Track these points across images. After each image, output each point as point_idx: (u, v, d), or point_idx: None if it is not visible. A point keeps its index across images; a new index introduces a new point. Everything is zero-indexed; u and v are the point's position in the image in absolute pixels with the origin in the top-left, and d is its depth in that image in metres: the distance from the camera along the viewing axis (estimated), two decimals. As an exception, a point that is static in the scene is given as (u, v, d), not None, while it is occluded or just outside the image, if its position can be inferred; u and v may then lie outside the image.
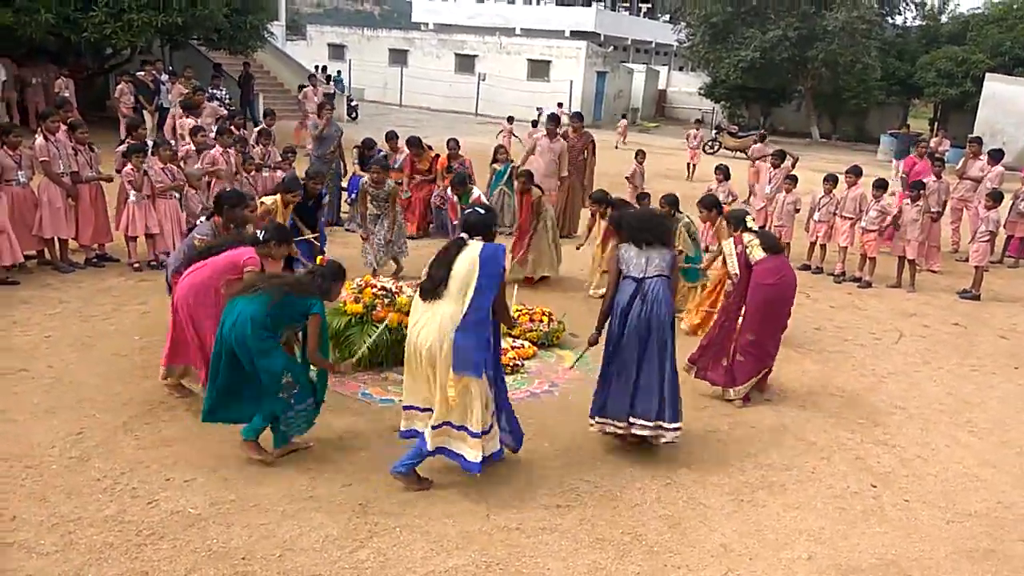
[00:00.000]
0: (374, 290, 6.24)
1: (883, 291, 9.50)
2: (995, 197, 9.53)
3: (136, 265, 8.15)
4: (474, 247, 4.36)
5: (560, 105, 28.30)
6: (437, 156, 11.21)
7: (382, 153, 11.39)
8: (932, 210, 10.18)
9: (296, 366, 4.68)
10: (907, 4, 30.55)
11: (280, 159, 9.77)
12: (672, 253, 5.14)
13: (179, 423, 5.02)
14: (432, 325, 4.22)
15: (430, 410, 4.37)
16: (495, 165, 11.09)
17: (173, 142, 9.80)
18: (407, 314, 6.14)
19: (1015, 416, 6.05)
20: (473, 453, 4.27)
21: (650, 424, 4.82)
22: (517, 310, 7.10)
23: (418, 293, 4.39)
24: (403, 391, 4.54)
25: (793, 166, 10.91)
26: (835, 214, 10.02)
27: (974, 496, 4.81)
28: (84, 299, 7.22)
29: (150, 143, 8.81)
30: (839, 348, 7.37)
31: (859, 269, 9.88)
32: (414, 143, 10.90)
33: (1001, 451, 5.44)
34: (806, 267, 10.24)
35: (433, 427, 4.32)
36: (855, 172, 10.00)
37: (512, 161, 11.06)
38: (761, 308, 5.81)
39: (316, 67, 28.62)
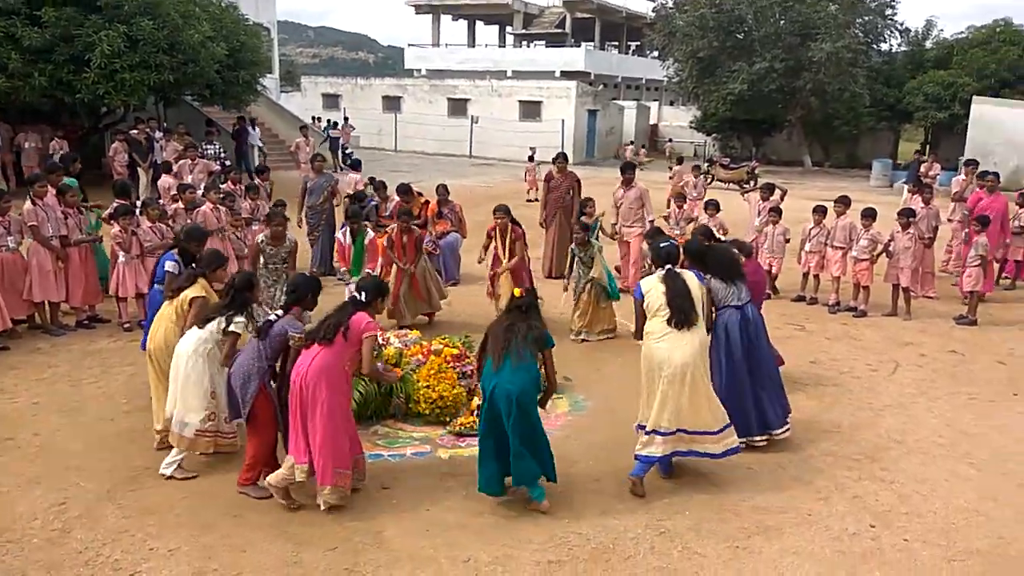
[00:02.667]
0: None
1: (879, 320, 9.45)
2: (983, 222, 9.51)
3: (127, 325, 8.13)
4: (690, 276, 5.22)
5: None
6: (427, 202, 11.27)
7: (373, 202, 11.47)
8: (924, 236, 10.17)
9: None
10: (892, 31, 30.80)
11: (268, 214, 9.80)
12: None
13: (163, 489, 4.95)
14: (689, 349, 4.96)
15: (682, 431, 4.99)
16: (584, 220, 9.43)
17: (163, 201, 9.84)
18: (395, 365, 6.17)
19: (1015, 446, 5.94)
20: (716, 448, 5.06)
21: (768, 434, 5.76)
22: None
23: (668, 323, 4.99)
24: (657, 417, 4.97)
25: (781, 199, 10.91)
26: (826, 244, 10.01)
27: (975, 533, 4.70)
28: (73, 363, 7.20)
29: (139, 203, 8.86)
30: (835, 381, 7.29)
31: (853, 299, 9.84)
32: (403, 190, 10.96)
33: (1002, 484, 5.33)
34: (800, 298, 10.20)
35: (670, 433, 4.97)
36: (844, 202, 10.01)
37: (600, 216, 9.69)
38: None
39: (313, 118, 28.96)
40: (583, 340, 8.25)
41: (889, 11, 29.89)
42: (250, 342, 4.87)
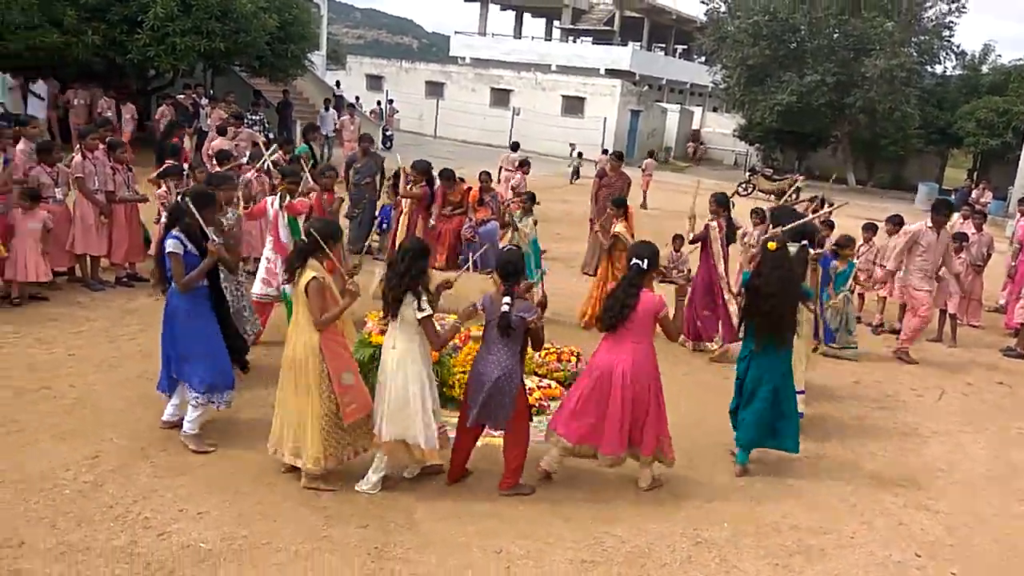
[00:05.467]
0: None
1: (923, 345, 9.19)
2: (1042, 252, 9.24)
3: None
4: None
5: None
6: (469, 188, 11.15)
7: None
8: (976, 263, 9.89)
9: None
10: (947, 53, 30.19)
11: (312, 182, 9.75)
12: None
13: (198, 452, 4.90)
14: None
15: None
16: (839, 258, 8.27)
17: (208, 165, 9.84)
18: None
19: (1067, 485, 5.72)
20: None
21: None
22: (545, 349, 6.94)
23: None
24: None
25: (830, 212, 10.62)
26: (875, 263, 9.76)
27: (1026, 572, 4.52)
28: (111, 319, 7.20)
29: (186, 166, 8.85)
30: (880, 403, 7.08)
31: (898, 320, 9.58)
32: (446, 175, 10.87)
33: (1054, 523, 5.13)
34: (843, 316, 9.95)
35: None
36: (896, 221, 9.75)
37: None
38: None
39: (356, 97, 29.00)
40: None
41: (946, 32, 29.32)
42: (492, 341, 4.55)
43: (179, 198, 5.14)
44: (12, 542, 3.82)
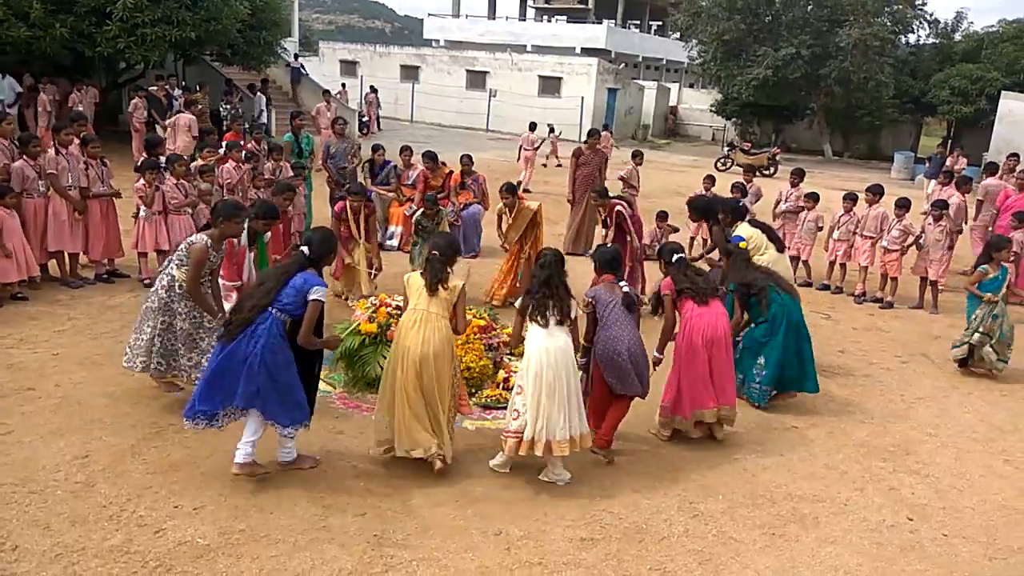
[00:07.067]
0: (388, 309, 6.09)
1: (906, 312, 9.30)
2: (1020, 218, 9.33)
3: (146, 281, 8.00)
4: None
5: None
6: (451, 172, 11.09)
7: (391, 164, 11.29)
8: (955, 229, 9.97)
9: None
10: (920, 22, 30.26)
11: (292, 175, 9.66)
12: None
13: (188, 446, 4.85)
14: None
15: None
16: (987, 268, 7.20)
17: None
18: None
19: (1052, 445, 5.82)
20: None
21: None
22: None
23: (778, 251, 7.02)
24: None
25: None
26: (855, 233, 9.83)
27: (1016, 531, 4.59)
28: (93, 316, 7.10)
29: (163, 159, 8.72)
30: (865, 372, 7.16)
31: (880, 289, 9.68)
32: (429, 157, 10.80)
33: (1040, 482, 5.22)
34: (825, 287, 10.05)
35: None
36: (876, 191, 9.81)
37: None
38: None
39: (343, 84, 28.76)
40: None
41: (919, 1, 29.38)
42: (618, 320, 4.92)
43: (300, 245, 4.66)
44: (6, 546, 3.77)
